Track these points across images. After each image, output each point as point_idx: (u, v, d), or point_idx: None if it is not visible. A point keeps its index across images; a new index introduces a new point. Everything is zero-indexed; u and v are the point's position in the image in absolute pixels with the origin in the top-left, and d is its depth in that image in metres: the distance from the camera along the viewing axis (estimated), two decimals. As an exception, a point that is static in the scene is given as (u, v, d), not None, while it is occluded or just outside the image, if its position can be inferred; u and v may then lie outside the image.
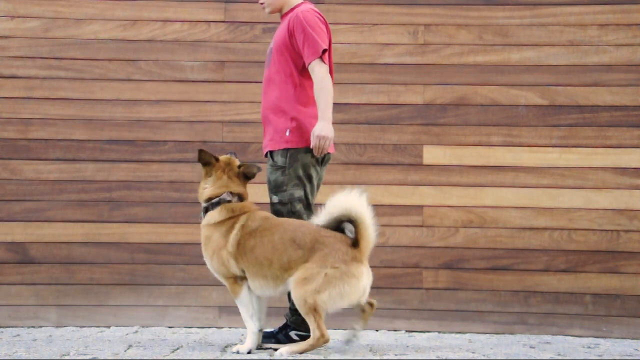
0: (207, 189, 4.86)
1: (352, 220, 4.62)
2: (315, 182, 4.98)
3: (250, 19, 6.33)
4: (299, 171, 4.90)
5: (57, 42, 6.29)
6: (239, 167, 4.87)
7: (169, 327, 6.12)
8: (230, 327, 6.14)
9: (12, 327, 6.09)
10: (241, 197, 4.85)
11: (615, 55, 6.24)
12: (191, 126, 6.29)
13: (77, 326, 6.13)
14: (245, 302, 4.75)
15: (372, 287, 6.16)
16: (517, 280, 6.16)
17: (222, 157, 4.89)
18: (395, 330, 6.05)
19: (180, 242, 6.23)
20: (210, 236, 4.79)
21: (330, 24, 6.30)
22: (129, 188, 6.26)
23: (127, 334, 5.71)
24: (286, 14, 5.10)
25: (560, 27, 6.28)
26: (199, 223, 6.21)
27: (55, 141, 6.25)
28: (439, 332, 6.08)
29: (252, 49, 6.31)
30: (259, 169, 4.90)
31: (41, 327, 6.11)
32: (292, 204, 4.90)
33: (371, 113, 6.27)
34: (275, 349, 4.83)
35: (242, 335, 5.73)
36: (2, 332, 5.86)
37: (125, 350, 4.81)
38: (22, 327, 6.10)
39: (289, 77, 4.96)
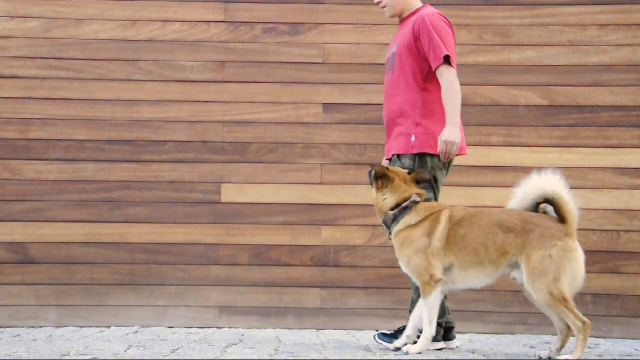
0: (387, 198, 4.81)
1: (549, 201, 4.58)
2: (440, 185, 4.98)
3: (250, 19, 6.33)
4: None
5: (57, 42, 6.29)
6: (409, 173, 4.85)
7: (169, 327, 6.12)
8: (230, 327, 6.15)
9: (12, 327, 6.10)
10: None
11: (615, 55, 6.24)
12: (191, 126, 6.30)
13: (77, 326, 6.13)
14: (433, 305, 4.66)
15: (373, 287, 6.20)
16: (517, 280, 6.16)
17: (390, 168, 4.87)
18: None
19: (180, 242, 6.24)
20: (409, 236, 4.72)
21: (330, 24, 6.35)
22: (129, 188, 6.26)
23: (127, 334, 5.71)
24: (406, 17, 5.03)
25: (560, 27, 6.29)
26: (199, 223, 6.24)
27: (55, 141, 6.26)
28: (439, 332, 6.07)
29: (252, 49, 6.32)
30: (431, 174, 4.88)
31: (41, 327, 6.11)
32: None
33: (371, 113, 6.27)
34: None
35: (243, 335, 5.73)
36: (2, 332, 5.86)
37: (125, 350, 4.81)
38: (22, 327, 6.10)
39: (413, 81, 4.92)
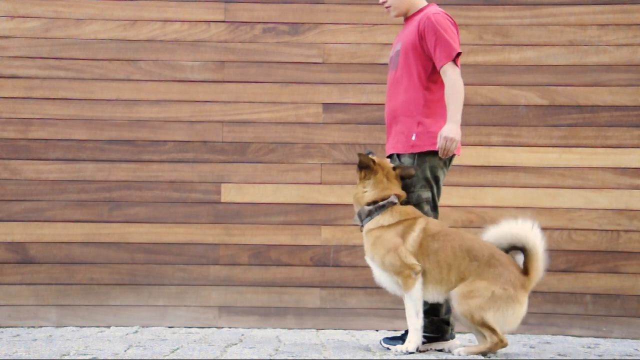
0: (367, 192, 4.81)
1: (524, 250, 4.63)
2: (441, 184, 4.96)
3: (250, 19, 6.33)
4: (426, 173, 4.87)
5: (57, 42, 6.29)
6: (394, 169, 4.84)
7: (169, 327, 6.12)
8: (230, 327, 6.15)
9: (12, 327, 6.10)
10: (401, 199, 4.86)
11: (615, 55, 6.24)
12: (191, 126, 6.30)
13: (77, 326, 6.13)
14: (417, 297, 4.67)
15: (373, 287, 6.19)
16: (517, 280, 6.16)
17: (377, 160, 4.85)
18: (395, 330, 6.05)
19: (180, 242, 6.24)
20: (381, 236, 4.72)
21: (330, 24, 6.36)
22: (129, 188, 6.26)
23: (127, 334, 5.71)
24: (411, 16, 5.01)
25: (560, 27, 6.29)
26: (199, 223, 6.25)
27: (55, 141, 6.26)
28: (439, 332, 6.07)
29: (252, 49, 6.32)
30: (416, 170, 4.85)
31: (41, 327, 6.11)
32: (420, 205, 4.86)
33: (371, 113, 6.27)
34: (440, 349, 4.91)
35: (243, 335, 5.73)
36: (2, 332, 5.86)
37: (125, 350, 4.81)
38: (22, 327, 6.10)
39: (416, 80, 4.89)
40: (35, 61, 6.28)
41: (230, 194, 6.26)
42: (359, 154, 4.84)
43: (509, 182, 6.24)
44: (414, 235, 4.69)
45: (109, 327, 6.11)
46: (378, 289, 6.24)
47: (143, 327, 6.12)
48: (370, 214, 4.79)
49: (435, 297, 4.73)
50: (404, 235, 4.70)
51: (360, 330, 6.10)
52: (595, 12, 6.26)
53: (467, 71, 6.27)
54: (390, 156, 5.02)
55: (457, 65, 4.85)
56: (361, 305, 6.20)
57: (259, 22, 6.33)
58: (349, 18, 6.33)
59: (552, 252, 6.16)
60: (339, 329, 6.13)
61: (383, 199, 4.78)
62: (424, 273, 4.68)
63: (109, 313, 6.19)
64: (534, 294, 6.12)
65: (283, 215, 6.24)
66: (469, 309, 4.55)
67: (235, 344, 5.14)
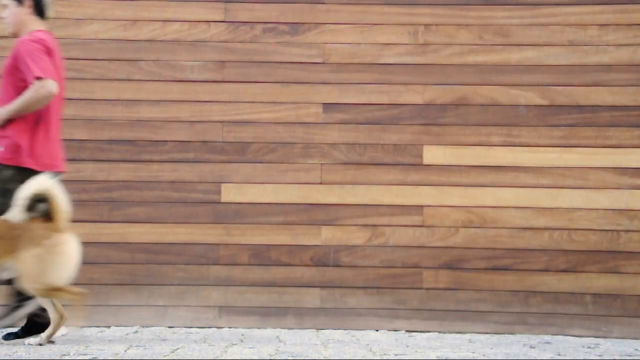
0: None
1: (44, 200, 4.82)
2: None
3: (250, 19, 6.33)
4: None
5: (57, 42, 6.28)
6: None
7: (169, 327, 6.12)
8: (230, 327, 6.15)
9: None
10: None
11: (615, 55, 6.24)
12: (191, 126, 6.30)
13: (77, 326, 6.11)
14: None
15: (373, 287, 6.20)
16: (517, 280, 6.16)
17: None
18: (395, 330, 6.06)
19: (180, 242, 6.23)
20: None
21: (330, 24, 6.36)
22: (129, 188, 6.26)
23: (127, 334, 5.71)
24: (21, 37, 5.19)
25: (560, 27, 6.29)
26: (199, 223, 6.24)
27: (55, 141, 6.25)
28: (439, 332, 6.09)
29: (252, 49, 6.31)
30: None
31: (41, 327, 6.10)
32: None
33: (371, 113, 6.28)
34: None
35: (243, 335, 5.73)
36: (2, 332, 5.85)
37: (125, 350, 4.81)
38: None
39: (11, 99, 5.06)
40: (35, 61, 6.27)
41: (230, 194, 6.26)
42: None
43: (509, 182, 6.24)
44: None
45: (109, 327, 6.10)
46: (378, 288, 6.26)
47: (143, 327, 6.12)
48: None
49: None
50: None
51: (360, 330, 6.10)
52: (595, 12, 6.26)
53: (467, 71, 6.28)
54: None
55: (45, 80, 4.96)
56: (361, 305, 6.20)
57: (259, 22, 6.33)
58: (349, 18, 6.33)
59: (552, 252, 6.18)
60: (339, 329, 6.13)
61: None
62: None
63: (109, 313, 6.19)
64: (534, 293, 6.15)
65: (283, 215, 6.24)
66: (30, 283, 4.81)
67: (236, 344, 5.14)
